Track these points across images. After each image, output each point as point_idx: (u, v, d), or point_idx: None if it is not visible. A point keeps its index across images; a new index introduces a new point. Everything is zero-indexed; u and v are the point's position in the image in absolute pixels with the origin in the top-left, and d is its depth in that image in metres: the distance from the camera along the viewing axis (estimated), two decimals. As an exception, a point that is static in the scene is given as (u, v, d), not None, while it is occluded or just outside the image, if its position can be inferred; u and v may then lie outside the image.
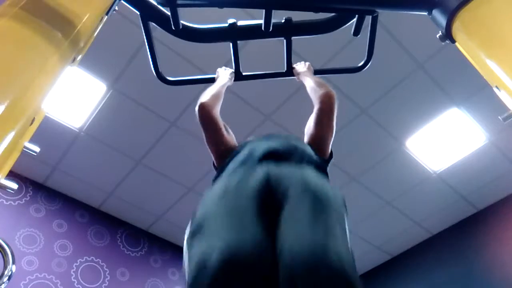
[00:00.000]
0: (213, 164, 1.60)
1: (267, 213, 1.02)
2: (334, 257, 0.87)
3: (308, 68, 1.88)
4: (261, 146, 1.33)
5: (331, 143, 1.55)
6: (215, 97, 1.59)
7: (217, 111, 1.55)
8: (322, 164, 1.39)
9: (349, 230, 1.06)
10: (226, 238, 0.93)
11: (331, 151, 1.56)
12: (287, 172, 1.16)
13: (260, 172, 1.16)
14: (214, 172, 1.61)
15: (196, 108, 1.52)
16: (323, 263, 0.85)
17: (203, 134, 1.56)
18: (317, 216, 0.98)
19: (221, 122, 1.55)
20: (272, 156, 1.26)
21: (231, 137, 1.59)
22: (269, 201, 1.05)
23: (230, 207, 1.05)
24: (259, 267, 0.89)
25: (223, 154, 1.50)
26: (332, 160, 1.52)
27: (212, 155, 1.58)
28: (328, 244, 0.91)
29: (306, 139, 1.57)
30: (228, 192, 1.11)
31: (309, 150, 1.41)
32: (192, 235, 1.06)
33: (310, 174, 1.18)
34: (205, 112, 1.50)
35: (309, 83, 1.72)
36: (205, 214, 1.07)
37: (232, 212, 1.02)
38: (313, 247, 0.87)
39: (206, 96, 1.57)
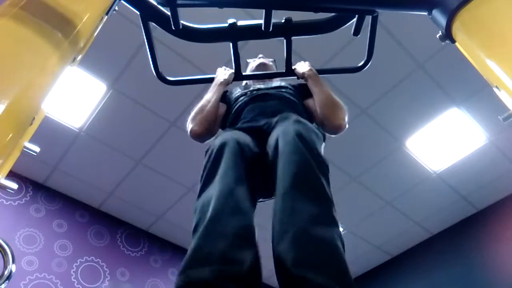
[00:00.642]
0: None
1: (260, 138, 1.32)
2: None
3: (311, 70, 1.84)
4: (256, 110, 1.53)
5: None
6: (206, 118, 1.62)
7: (211, 130, 1.64)
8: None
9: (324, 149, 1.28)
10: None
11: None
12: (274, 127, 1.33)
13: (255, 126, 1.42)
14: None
15: (188, 131, 1.62)
16: (297, 144, 1.13)
17: None
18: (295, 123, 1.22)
19: (215, 131, 1.66)
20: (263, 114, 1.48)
21: (221, 111, 1.70)
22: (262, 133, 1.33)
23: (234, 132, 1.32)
24: (249, 147, 1.27)
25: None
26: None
27: None
28: (303, 133, 1.16)
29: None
30: (234, 130, 1.37)
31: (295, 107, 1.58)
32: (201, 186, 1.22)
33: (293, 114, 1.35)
34: (200, 140, 1.63)
35: (321, 99, 1.65)
36: (213, 163, 1.22)
37: (235, 132, 1.31)
38: (291, 136, 1.15)
39: (196, 122, 1.61)
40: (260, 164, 1.25)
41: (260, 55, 2.01)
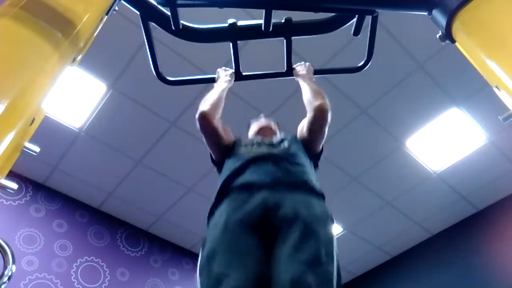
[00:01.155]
0: (211, 157, 1.68)
1: (266, 240, 1.20)
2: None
3: (308, 70, 1.87)
4: (258, 173, 1.40)
5: (322, 142, 1.65)
6: (215, 105, 1.61)
7: (217, 120, 1.59)
8: (313, 187, 1.42)
9: (336, 251, 1.21)
10: (232, 277, 1.10)
11: (322, 146, 1.67)
12: (282, 199, 1.28)
13: (259, 200, 1.29)
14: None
15: (196, 117, 1.57)
16: None
17: (203, 137, 1.61)
18: (304, 247, 1.15)
19: (221, 129, 1.60)
20: (267, 185, 1.34)
21: (227, 135, 1.65)
22: (267, 229, 1.23)
23: (233, 244, 1.20)
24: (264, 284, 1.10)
25: (222, 151, 1.61)
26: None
27: (210, 151, 1.66)
28: (309, 276, 1.08)
29: (298, 136, 1.66)
30: (231, 226, 1.24)
31: (302, 169, 1.46)
32: (202, 268, 1.20)
33: (302, 200, 1.30)
34: (205, 122, 1.56)
35: (305, 89, 1.70)
36: (212, 250, 1.21)
37: (235, 249, 1.18)
38: (297, 278, 1.06)
39: (206, 104, 1.59)
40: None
41: (262, 115, 1.97)
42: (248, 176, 1.39)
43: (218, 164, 1.63)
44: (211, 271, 1.14)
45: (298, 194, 1.32)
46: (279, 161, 1.45)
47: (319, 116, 1.57)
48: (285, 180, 1.37)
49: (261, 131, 1.83)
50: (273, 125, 1.90)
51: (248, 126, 1.95)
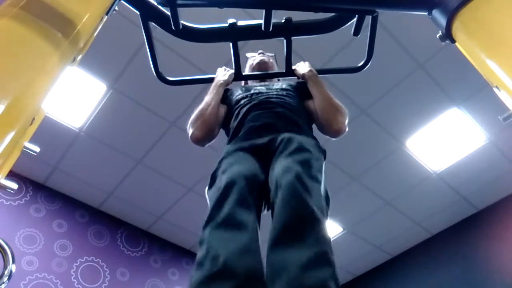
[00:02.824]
0: None
1: (265, 162, 1.36)
2: (304, 186, 1.16)
3: (311, 70, 1.83)
4: (259, 121, 1.52)
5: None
6: (208, 124, 1.61)
7: (211, 138, 1.64)
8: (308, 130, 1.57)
9: (324, 172, 1.33)
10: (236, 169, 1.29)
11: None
12: (281, 135, 1.42)
13: (262, 140, 1.44)
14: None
15: (189, 136, 1.62)
16: (295, 188, 1.15)
17: None
18: (298, 154, 1.29)
19: (216, 133, 1.65)
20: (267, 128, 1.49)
21: (219, 120, 1.67)
22: (267, 154, 1.38)
23: (236, 157, 1.38)
24: (256, 178, 1.28)
25: (223, 126, 1.69)
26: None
27: None
28: (300, 168, 1.22)
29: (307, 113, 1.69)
30: (236, 151, 1.42)
31: (297, 115, 1.58)
32: (214, 176, 1.37)
33: (296, 135, 1.42)
34: (199, 145, 1.63)
35: (318, 100, 1.65)
36: (223, 163, 1.38)
37: (237, 159, 1.37)
38: (291, 178, 1.17)
39: (198, 127, 1.60)
40: (266, 187, 1.30)
41: (260, 50, 1.99)
42: (249, 123, 1.52)
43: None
44: (216, 175, 1.34)
45: (294, 133, 1.44)
46: (276, 105, 1.56)
47: (334, 136, 1.62)
48: (284, 125, 1.48)
49: (258, 65, 1.89)
50: (271, 60, 1.94)
51: (246, 60, 1.97)
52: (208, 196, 1.32)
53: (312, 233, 1.03)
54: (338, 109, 1.62)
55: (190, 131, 1.62)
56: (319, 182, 1.23)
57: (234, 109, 1.65)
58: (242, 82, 1.98)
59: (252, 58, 1.96)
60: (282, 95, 1.64)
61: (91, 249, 3.81)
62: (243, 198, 1.17)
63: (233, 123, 1.60)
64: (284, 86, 1.73)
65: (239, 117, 1.58)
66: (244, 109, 1.59)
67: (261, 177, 1.30)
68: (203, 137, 1.60)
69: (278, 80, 1.95)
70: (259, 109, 1.56)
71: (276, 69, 1.95)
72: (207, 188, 1.38)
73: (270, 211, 1.24)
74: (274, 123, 1.48)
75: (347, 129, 1.61)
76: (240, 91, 1.74)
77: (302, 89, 1.73)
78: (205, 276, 0.98)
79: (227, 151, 1.44)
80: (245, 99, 1.64)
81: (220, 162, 1.39)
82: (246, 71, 1.94)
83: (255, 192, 1.24)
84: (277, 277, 0.96)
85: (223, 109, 1.69)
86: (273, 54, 2.00)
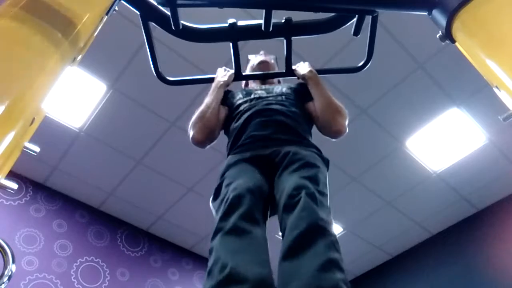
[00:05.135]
0: None
1: (269, 173, 1.38)
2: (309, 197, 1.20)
3: (311, 70, 1.83)
4: (260, 130, 1.51)
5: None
6: (208, 127, 1.61)
7: (212, 140, 1.64)
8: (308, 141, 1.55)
9: (328, 184, 1.37)
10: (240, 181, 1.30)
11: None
12: (284, 148, 1.43)
13: (263, 151, 1.45)
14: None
15: (190, 138, 1.63)
16: (308, 205, 1.18)
17: None
18: (304, 170, 1.32)
19: (217, 134, 1.66)
20: (268, 139, 1.48)
21: (221, 117, 1.67)
22: (270, 165, 1.40)
23: (240, 170, 1.38)
24: (261, 191, 1.30)
25: (223, 128, 1.69)
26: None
27: None
28: (309, 184, 1.25)
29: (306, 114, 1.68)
30: (239, 163, 1.42)
31: (298, 121, 1.57)
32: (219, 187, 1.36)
33: (299, 149, 1.43)
34: (199, 145, 1.63)
35: (321, 102, 1.65)
36: (228, 176, 1.38)
37: (241, 171, 1.38)
38: (303, 196, 1.20)
39: (199, 129, 1.61)
40: (271, 196, 1.33)
41: (262, 52, 1.99)
42: (250, 132, 1.51)
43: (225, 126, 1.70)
44: (221, 188, 1.33)
45: (297, 146, 1.45)
46: (277, 114, 1.55)
47: (334, 137, 1.64)
48: (285, 135, 1.48)
49: (258, 66, 1.89)
50: (272, 61, 1.94)
51: (247, 61, 1.97)
52: (214, 208, 1.33)
53: (324, 243, 1.07)
54: (339, 111, 1.62)
55: (190, 133, 1.62)
56: (326, 195, 1.29)
57: (235, 113, 1.64)
58: (243, 84, 1.97)
59: (254, 57, 1.96)
60: (282, 100, 1.63)
61: (91, 249, 3.81)
62: (250, 211, 1.20)
63: (233, 129, 1.59)
64: (284, 90, 1.71)
65: (240, 124, 1.57)
66: (245, 116, 1.58)
67: (266, 189, 1.33)
68: (204, 140, 1.61)
69: (279, 82, 1.94)
70: (259, 116, 1.55)
71: (276, 68, 1.95)
72: (211, 199, 1.39)
73: (278, 222, 1.26)
74: (275, 133, 1.49)
75: (347, 130, 1.62)
76: (240, 95, 1.72)
77: (302, 91, 1.73)
78: (216, 282, 1.00)
79: (229, 162, 1.44)
80: (246, 105, 1.63)
81: (223, 175, 1.40)
82: (247, 72, 1.93)
83: (261, 205, 1.27)
84: (290, 281, 0.99)
85: (223, 111, 1.68)
86: (274, 56, 1.99)
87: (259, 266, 1.05)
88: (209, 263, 1.08)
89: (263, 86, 1.80)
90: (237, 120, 1.59)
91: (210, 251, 1.12)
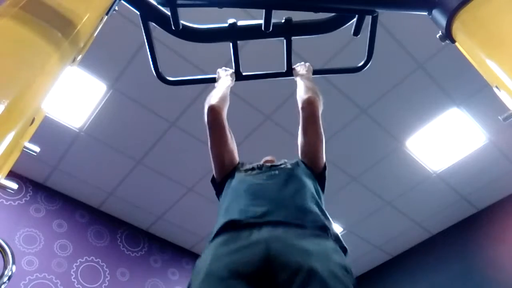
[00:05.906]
0: (213, 178, 1.58)
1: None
2: None
3: (308, 70, 1.86)
4: (256, 207, 1.22)
5: (323, 152, 1.51)
6: (223, 99, 1.61)
7: (225, 115, 1.57)
8: (327, 226, 1.22)
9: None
10: None
11: (325, 164, 1.51)
12: (287, 247, 1.05)
13: (256, 248, 1.05)
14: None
15: (205, 110, 1.54)
16: None
17: (208, 138, 1.56)
18: None
19: (227, 127, 1.56)
20: (269, 223, 1.15)
21: (233, 148, 1.57)
22: (267, 281, 1.00)
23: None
24: None
25: (224, 168, 1.52)
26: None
27: (213, 164, 1.56)
28: None
29: (299, 153, 1.54)
30: (214, 277, 1.01)
31: (310, 201, 1.28)
32: None
33: (316, 247, 1.07)
34: (214, 115, 1.52)
35: (299, 87, 1.69)
36: None
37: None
38: None
39: (214, 98, 1.58)
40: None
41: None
42: (247, 207, 1.22)
43: (219, 185, 1.51)
44: None
45: (309, 238, 1.10)
46: (282, 185, 1.31)
47: (308, 109, 1.51)
48: (292, 215, 1.17)
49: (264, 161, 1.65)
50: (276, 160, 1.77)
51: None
52: None
53: None
54: (316, 91, 1.60)
55: (206, 103, 1.56)
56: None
57: (236, 172, 1.49)
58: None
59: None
60: (288, 168, 1.45)
61: (91, 249, 3.81)
62: None
63: (227, 196, 1.39)
64: (293, 171, 1.46)
65: (235, 195, 1.36)
66: (243, 186, 1.37)
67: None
68: (219, 106, 1.55)
69: (285, 163, 1.61)
70: (259, 189, 1.33)
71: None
72: None
73: None
74: (276, 212, 1.20)
75: (319, 107, 1.53)
76: (250, 165, 1.55)
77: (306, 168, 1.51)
78: None
79: (199, 268, 1.08)
80: (252, 171, 1.46)
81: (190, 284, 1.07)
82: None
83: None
84: None
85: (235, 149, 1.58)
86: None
87: None
88: None
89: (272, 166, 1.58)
90: (234, 187, 1.43)
91: None
